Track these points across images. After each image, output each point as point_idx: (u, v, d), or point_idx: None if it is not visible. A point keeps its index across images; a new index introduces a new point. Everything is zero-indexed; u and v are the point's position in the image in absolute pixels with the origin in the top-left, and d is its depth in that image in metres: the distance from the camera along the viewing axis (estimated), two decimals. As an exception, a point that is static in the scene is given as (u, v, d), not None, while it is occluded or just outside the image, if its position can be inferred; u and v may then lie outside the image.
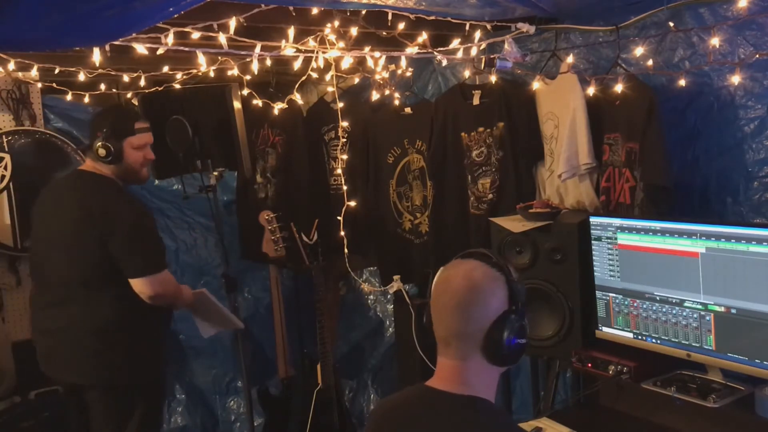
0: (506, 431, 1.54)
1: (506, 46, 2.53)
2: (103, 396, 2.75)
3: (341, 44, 2.74)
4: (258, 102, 3.31)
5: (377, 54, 2.76)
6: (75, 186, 2.76)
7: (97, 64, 2.62)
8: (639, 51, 2.55)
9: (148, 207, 2.95)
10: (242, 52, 2.41)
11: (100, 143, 2.68)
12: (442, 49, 2.73)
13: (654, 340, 2.49)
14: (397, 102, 3.42)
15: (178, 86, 3.33)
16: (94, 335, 2.69)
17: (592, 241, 2.63)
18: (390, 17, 2.61)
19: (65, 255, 2.68)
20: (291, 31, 2.45)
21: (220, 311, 3.06)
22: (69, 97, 3.22)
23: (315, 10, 2.51)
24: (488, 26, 2.80)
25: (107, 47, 2.53)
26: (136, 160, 2.77)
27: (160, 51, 2.32)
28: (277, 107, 3.31)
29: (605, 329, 2.65)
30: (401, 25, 2.64)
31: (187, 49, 2.36)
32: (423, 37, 2.72)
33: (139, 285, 2.65)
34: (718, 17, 2.46)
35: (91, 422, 2.80)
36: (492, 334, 1.48)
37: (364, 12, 2.65)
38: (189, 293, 2.92)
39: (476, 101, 3.19)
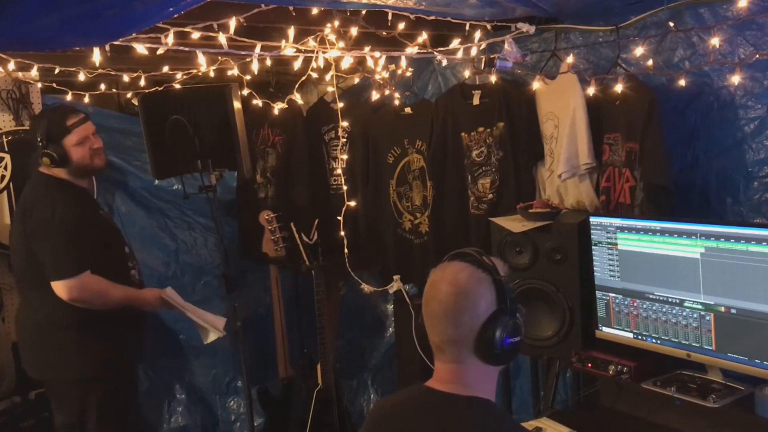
0: (507, 430, 1.54)
1: (506, 46, 2.53)
2: (54, 390, 2.89)
3: (341, 44, 2.74)
4: (258, 102, 3.31)
5: (377, 54, 2.76)
6: (26, 187, 2.88)
7: (97, 64, 2.62)
8: (639, 51, 2.55)
9: (85, 209, 2.88)
10: (242, 52, 2.41)
11: (42, 153, 2.74)
12: (442, 49, 2.73)
13: (654, 340, 2.49)
14: (397, 102, 3.41)
15: (178, 86, 3.33)
16: (35, 332, 2.83)
17: (593, 246, 2.63)
18: (390, 17, 2.61)
19: (13, 253, 2.88)
20: (291, 31, 2.45)
21: (190, 315, 3.04)
22: (69, 97, 3.22)
23: (315, 10, 2.51)
24: (488, 26, 2.80)
25: (107, 47, 2.53)
26: (82, 155, 2.82)
27: (160, 51, 2.32)
28: (277, 107, 3.30)
29: (605, 329, 2.64)
30: (401, 25, 2.64)
31: (187, 49, 2.36)
32: (423, 37, 2.72)
33: (55, 287, 2.69)
34: (718, 17, 2.46)
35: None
36: (483, 336, 1.48)
37: (364, 12, 2.66)
38: (138, 295, 2.90)
39: (476, 101, 3.19)
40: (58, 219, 2.70)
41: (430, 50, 2.68)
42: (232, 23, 2.31)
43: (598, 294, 2.64)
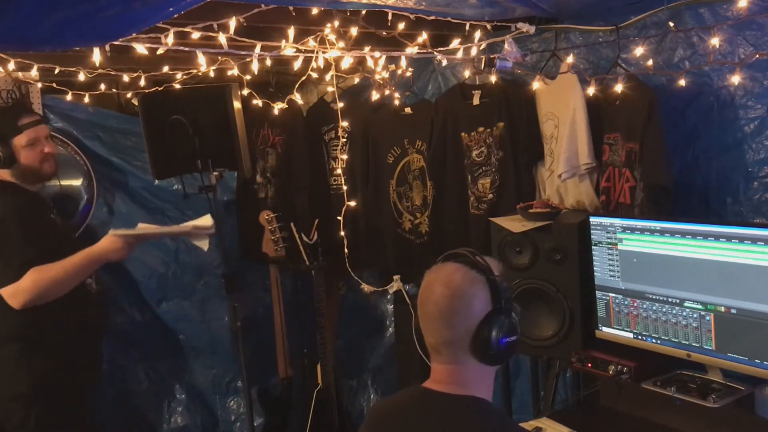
0: (503, 429, 1.55)
1: (506, 46, 2.53)
2: (2, 408, 2.71)
3: (341, 44, 2.74)
4: (258, 102, 3.31)
5: (377, 54, 2.76)
6: None
7: (97, 64, 2.62)
8: (639, 51, 2.55)
9: (30, 213, 2.71)
10: (242, 52, 2.41)
11: None
12: (442, 49, 2.73)
13: (654, 340, 2.49)
14: (397, 102, 3.41)
15: (178, 86, 3.33)
16: None
17: (593, 246, 2.63)
18: (390, 17, 2.61)
19: None
20: (291, 31, 2.45)
21: (171, 232, 2.94)
22: (69, 97, 3.21)
23: (315, 10, 2.51)
24: (488, 26, 2.80)
25: (107, 47, 2.53)
26: (32, 158, 2.72)
27: (160, 51, 2.32)
28: (277, 107, 3.30)
29: (605, 329, 2.64)
30: (401, 25, 2.64)
31: (187, 49, 2.36)
32: (423, 37, 2.72)
33: (4, 296, 2.55)
34: (718, 17, 2.46)
35: None
36: (479, 336, 1.49)
37: (364, 12, 2.65)
38: (91, 252, 2.68)
39: (476, 101, 3.19)
40: None
41: (430, 50, 2.68)
42: (232, 23, 2.31)
43: (598, 294, 2.64)
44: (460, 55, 2.69)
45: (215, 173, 3.34)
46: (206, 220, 2.90)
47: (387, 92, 3.39)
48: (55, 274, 2.60)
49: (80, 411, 2.91)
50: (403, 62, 3.22)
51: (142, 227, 2.88)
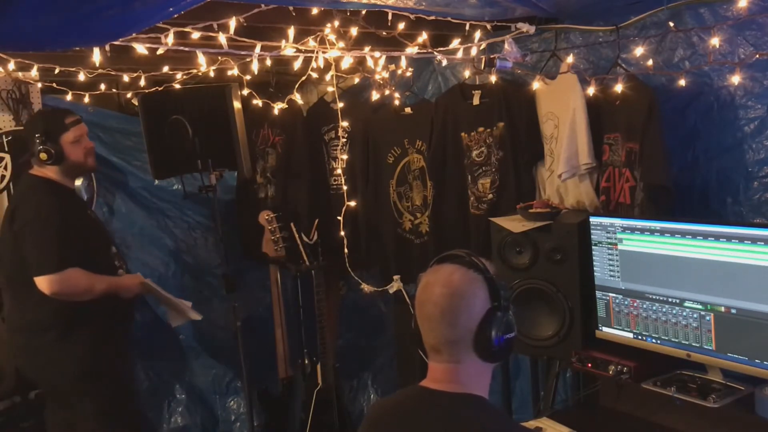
0: (503, 426, 1.56)
1: (506, 46, 2.53)
2: (48, 391, 2.91)
3: (341, 44, 2.74)
4: (258, 102, 3.31)
5: (377, 54, 2.76)
6: (15, 189, 2.97)
7: (97, 64, 2.62)
8: (639, 51, 2.55)
9: (71, 209, 2.91)
10: (242, 52, 2.41)
11: (39, 149, 2.80)
12: (442, 49, 2.74)
13: (654, 340, 2.49)
14: (397, 102, 3.41)
15: (178, 86, 3.33)
16: (22, 334, 2.85)
17: (593, 246, 2.63)
18: (390, 17, 2.61)
19: (3, 255, 2.86)
20: (291, 31, 2.46)
21: (169, 301, 3.14)
22: (69, 97, 3.22)
23: (315, 10, 2.51)
24: (488, 26, 2.80)
25: (107, 47, 2.53)
26: (77, 153, 2.89)
27: (160, 51, 2.32)
28: (277, 107, 3.30)
29: (605, 329, 2.65)
30: (401, 25, 2.64)
31: (187, 49, 2.37)
32: (423, 37, 2.72)
33: (37, 282, 2.71)
34: (718, 17, 2.46)
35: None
36: (480, 334, 1.51)
37: (364, 12, 2.65)
38: (118, 282, 2.93)
39: (476, 101, 3.19)
40: (42, 218, 2.74)
41: (430, 50, 2.68)
42: (232, 23, 2.31)
43: (598, 294, 2.64)
44: (460, 55, 2.69)
45: (215, 173, 3.35)
46: (189, 305, 3.19)
47: (387, 92, 3.38)
48: (89, 282, 2.80)
49: (128, 395, 3.07)
50: (403, 62, 3.22)
51: (158, 290, 3.11)
